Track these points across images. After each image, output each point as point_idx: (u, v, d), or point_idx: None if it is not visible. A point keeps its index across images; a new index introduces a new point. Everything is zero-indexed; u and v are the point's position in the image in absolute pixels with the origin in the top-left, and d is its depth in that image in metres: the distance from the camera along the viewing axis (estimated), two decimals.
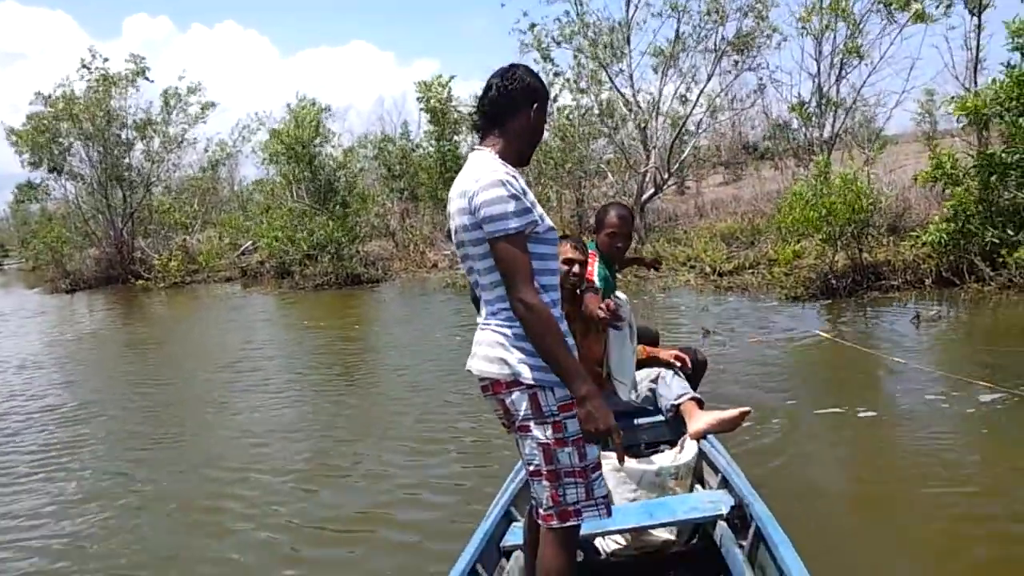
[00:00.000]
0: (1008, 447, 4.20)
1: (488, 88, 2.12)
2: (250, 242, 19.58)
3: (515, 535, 2.80)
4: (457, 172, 2.15)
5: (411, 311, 12.00)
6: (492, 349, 2.06)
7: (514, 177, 2.02)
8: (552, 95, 14.32)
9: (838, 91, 12.40)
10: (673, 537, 2.95)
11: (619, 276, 3.89)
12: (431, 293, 13.08)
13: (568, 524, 2.04)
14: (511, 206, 1.95)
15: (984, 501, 3.52)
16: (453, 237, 2.16)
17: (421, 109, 20.60)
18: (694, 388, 3.37)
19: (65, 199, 23.38)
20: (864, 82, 12.37)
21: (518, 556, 2.74)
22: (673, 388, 3.25)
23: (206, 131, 52.09)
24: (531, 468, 2.07)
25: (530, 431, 2.03)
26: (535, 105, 2.12)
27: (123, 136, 21.64)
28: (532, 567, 2.25)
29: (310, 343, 9.80)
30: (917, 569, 3.15)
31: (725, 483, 2.99)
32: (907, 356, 5.95)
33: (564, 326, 2.04)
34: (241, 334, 10.95)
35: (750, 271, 10.54)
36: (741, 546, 2.69)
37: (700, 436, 3.15)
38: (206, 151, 23.93)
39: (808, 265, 9.51)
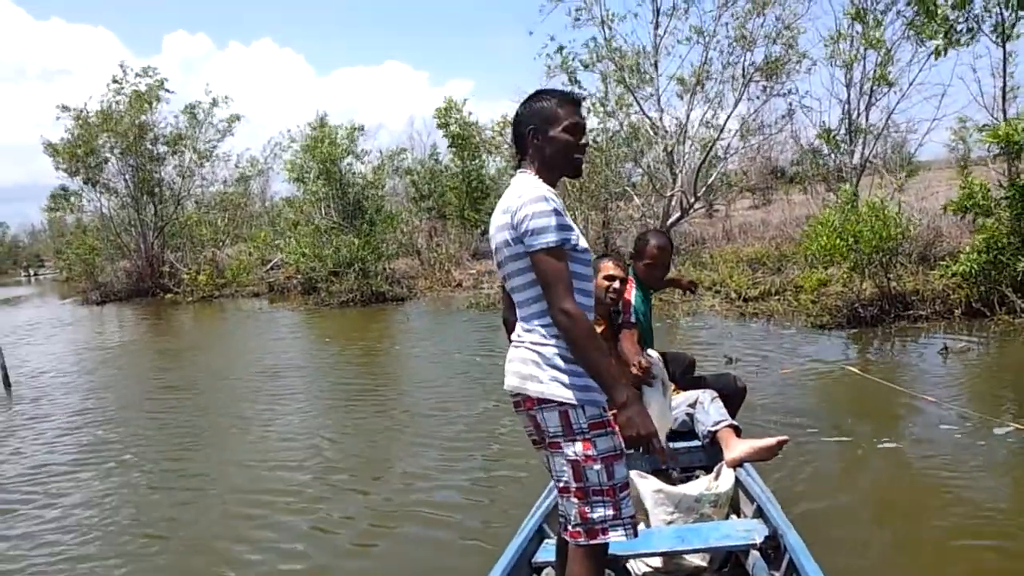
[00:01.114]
0: None
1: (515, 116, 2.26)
2: (279, 256, 19.79)
3: (547, 552, 2.83)
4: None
5: (436, 328, 12.07)
6: (524, 366, 2.12)
7: (555, 195, 2.12)
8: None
9: (867, 118, 12.34)
10: (705, 564, 2.97)
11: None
12: (456, 312, 13.16)
13: (595, 542, 2.07)
14: (553, 220, 2.03)
15: (1012, 540, 3.48)
16: (495, 256, 2.24)
17: (443, 136, 20.61)
18: (732, 415, 3.37)
19: (99, 211, 23.81)
20: (894, 108, 12.31)
21: (549, 573, 2.78)
22: (711, 414, 3.27)
23: (235, 145, 53.09)
24: (560, 485, 2.12)
25: (560, 448, 2.08)
26: (532, 129, 2.16)
27: (155, 151, 22.03)
28: None
29: (338, 356, 9.95)
30: None
31: (760, 512, 3.00)
32: (934, 389, 5.89)
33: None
34: (271, 346, 11.12)
35: (776, 297, 10.46)
36: None
37: (737, 464, 3.17)
38: (237, 166, 24.36)
39: (835, 293, 9.43)
